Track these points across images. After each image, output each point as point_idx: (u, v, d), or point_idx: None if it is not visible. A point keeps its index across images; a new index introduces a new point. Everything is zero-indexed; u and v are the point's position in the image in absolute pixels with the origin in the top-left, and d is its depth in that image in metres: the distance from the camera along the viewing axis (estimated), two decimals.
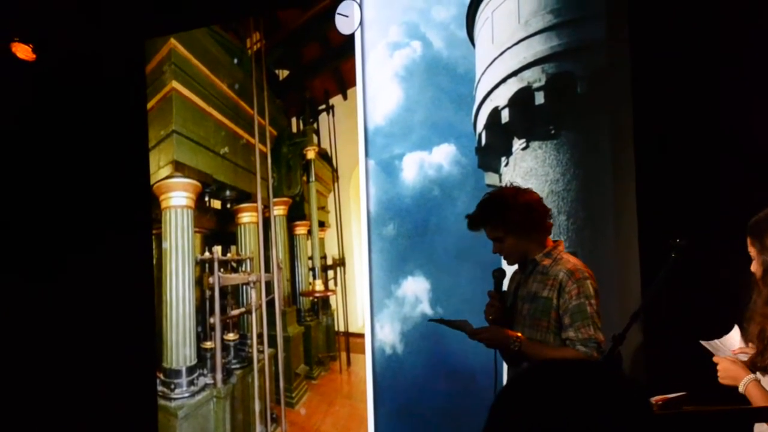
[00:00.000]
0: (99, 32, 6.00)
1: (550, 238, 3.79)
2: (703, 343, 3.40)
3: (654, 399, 3.14)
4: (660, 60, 4.39)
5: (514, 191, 3.79)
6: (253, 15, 5.92)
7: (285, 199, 5.79)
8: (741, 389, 3.24)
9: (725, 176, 4.18)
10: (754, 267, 3.32)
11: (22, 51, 6.06)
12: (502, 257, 3.83)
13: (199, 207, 6.04)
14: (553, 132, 4.74)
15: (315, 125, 5.71)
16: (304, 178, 5.73)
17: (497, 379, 3.73)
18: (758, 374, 3.27)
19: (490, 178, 4.96)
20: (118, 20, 5.95)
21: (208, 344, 5.93)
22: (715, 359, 3.34)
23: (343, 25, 5.49)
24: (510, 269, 3.89)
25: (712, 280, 3.96)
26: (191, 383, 5.94)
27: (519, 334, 3.62)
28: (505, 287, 3.84)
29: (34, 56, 6.08)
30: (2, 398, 6.11)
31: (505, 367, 3.98)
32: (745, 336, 3.36)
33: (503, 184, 4.68)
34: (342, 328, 5.57)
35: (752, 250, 3.30)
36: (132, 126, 6.15)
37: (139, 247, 6.16)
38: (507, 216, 3.68)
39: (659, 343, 4.24)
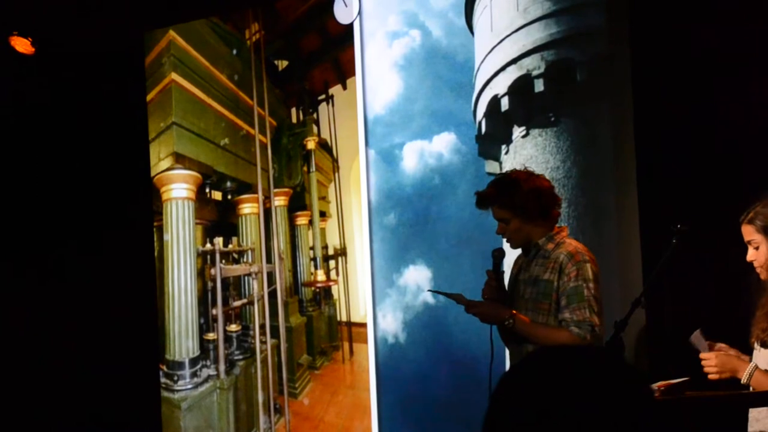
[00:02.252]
0: (98, 24, 5.99)
1: (556, 226, 3.78)
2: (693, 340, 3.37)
3: (656, 384, 3.15)
4: (660, 46, 4.38)
5: (527, 175, 3.76)
6: (252, 6, 5.91)
7: (286, 189, 5.79)
8: (745, 380, 3.22)
9: (726, 163, 4.18)
10: (756, 254, 3.31)
11: (21, 44, 6.06)
12: (504, 240, 3.83)
13: (200, 198, 6.04)
14: (552, 119, 4.73)
15: (315, 115, 5.71)
16: (305, 169, 5.73)
17: (492, 365, 3.72)
18: (757, 345, 3.27)
19: (491, 166, 4.95)
20: (117, 12, 5.94)
21: (211, 335, 5.94)
22: (702, 355, 3.31)
23: (342, 14, 5.48)
24: (511, 250, 3.89)
25: (714, 266, 3.96)
26: (194, 375, 5.95)
27: (513, 312, 3.62)
28: (504, 268, 3.84)
29: (33, 50, 6.07)
30: (5, 391, 6.12)
31: (506, 354, 3.98)
32: (752, 319, 3.35)
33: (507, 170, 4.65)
34: (344, 318, 5.58)
35: (756, 237, 3.29)
36: (132, 118, 6.14)
37: (140, 239, 6.16)
38: (515, 199, 3.68)
39: (661, 328, 4.24)
